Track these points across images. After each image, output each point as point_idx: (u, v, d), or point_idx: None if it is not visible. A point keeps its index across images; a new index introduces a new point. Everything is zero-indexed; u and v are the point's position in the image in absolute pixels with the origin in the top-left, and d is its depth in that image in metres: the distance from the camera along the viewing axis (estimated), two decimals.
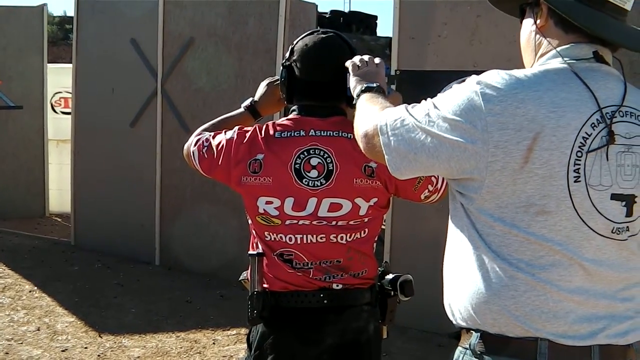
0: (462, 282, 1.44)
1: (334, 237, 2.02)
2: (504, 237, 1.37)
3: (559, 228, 1.35)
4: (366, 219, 2.04)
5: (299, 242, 2.02)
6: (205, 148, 2.12)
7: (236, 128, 2.10)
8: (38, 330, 4.71)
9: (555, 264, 1.36)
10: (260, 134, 2.05)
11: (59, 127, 8.47)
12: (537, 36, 1.48)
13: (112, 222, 6.52)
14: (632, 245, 1.41)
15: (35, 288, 5.58)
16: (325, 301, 2.03)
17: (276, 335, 2.05)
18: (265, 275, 2.05)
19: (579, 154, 1.34)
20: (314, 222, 2.01)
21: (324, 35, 2.07)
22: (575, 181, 1.34)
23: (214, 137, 2.12)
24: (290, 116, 2.10)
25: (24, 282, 5.71)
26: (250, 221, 2.11)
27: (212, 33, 5.87)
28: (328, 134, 2.02)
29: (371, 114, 1.56)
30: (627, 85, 1.43)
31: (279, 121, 2.08)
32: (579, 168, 1.34)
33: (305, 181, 1.99)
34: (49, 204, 8.44)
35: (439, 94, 1.45)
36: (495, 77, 1.37)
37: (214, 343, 4.56)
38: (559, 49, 1.43)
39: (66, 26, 18.02)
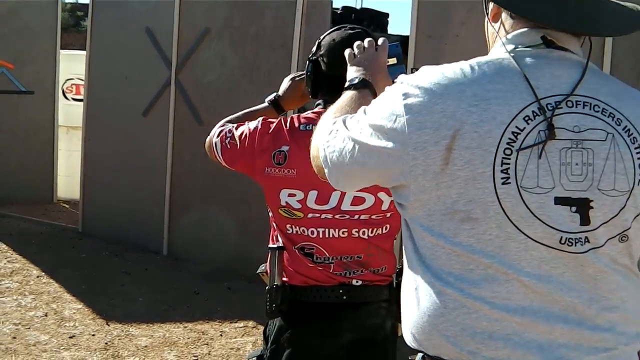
0: (405, 299, 1.31)
1: (355, 231, 2.02)
2: (433, 249, 1.21)
3: (489, 237, 1.16)
4: (388, 214, 2.04)
5: (321, 235, 2.02)
6: (228, 139, 2.12)
7: (260, 118, 2.10)
8: (45, 315, 4.71)
9: (487, 278, 1.16)
10: (285, 126, 2.05)
11: (69, 113, 8.46)
12: (489, 27, 1.35)
13: (121, 210, 6.52)
14: (597, 260, 1.17)
15: (43, 273, 5.58)
16: (344, 297, 2.03)
17: (294, 329, 2.06)
18: (285, 269, 2.06)
19: (508, 152, 1.15)
20: (337, 216, 2.01)
21: (351, 31, 2.07)
22: (503, 183, 1.15)
23: (236, 128, 2.12)
24: (315, 109, 2.10)
25: (31, 267, 5.71)
26: (271, 214, 2.11)
27: (228, 24, 5.86)
28: None
29: (322, 125, 1.39)
30: (586, 71, 1.22)
31: (304, 114, 2.08)
32: (508, 168, 1.15)
33: None
34: (57, 190, 8.44)
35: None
36: (421, 73, 1.22)
37: (221, 335, 4.56)
38: (505, 37, 1.28)
39: (77, 13, 17.99)
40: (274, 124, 2.07)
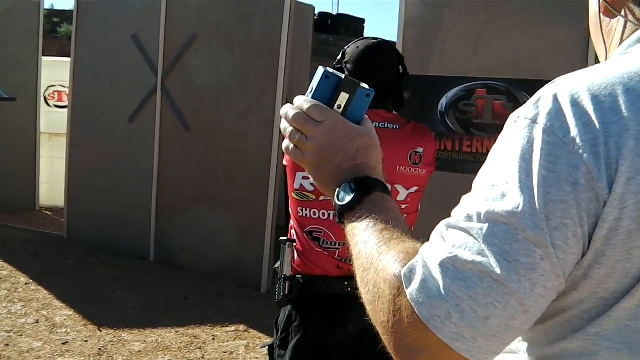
0: None
1: None
2: None
3: None
4: (403, 206, 2.10)
5: (331, 217, 2.09)
6: None
7: None
8: (37, 322, 4.70)
9: None
10: None
11: (51, 120, 8.44)
12: (603, 22, 0.96)
13: (107, 217, 6.50)
14: None
15: (31, 281, 5.55)
16: (349, 289, 2.09)
17: (301, 318, 2.13)
18: (293, 261, 2.14)
19: None
20: None
21: (374, 40, 2.18)
22: None
23: None
24: None
25: (19, 275, 5.69)
26: (289, 203, 2.21)
27: (215, 31, 5.89)
28: (375, 125, 2.10)
29: (379, 285, 0.83)
30: None
31: None
32: None
33: None
34: (40, 198, 8.39)
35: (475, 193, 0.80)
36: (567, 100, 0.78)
37: (213, 339, 4.58)
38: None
39: (53, 19, 17.83)
40: None
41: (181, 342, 4.48)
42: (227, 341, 4.57)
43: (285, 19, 5.46)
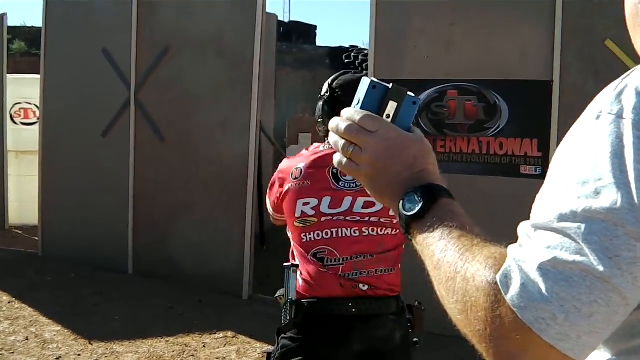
0: None
1: (366, 229, 2.21)
2: None
3: None
4: (395, 221, 2.19)
5: (334, 235, 2.19)
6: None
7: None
8: (27, 340, 4.70)
9: None
10: (306, 151, 2.34)
11: (18, 138, 8.37)
12: None
13: (84, 232, 6.50)
14: None
15: (14, 299, 5.54)
16: (353, 309, 2.18)
17: (305, 339, 2.19)
18: (297, 285, 2.21)
19: None
20: (348, 218, 2.20)
21: (358, 74, 2.40)
22: None
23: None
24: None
25: (0, 293, 5.66)
26: (289, 233, 2.31)
27: (187, 41, 5.95)
28: None
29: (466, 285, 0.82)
30: None
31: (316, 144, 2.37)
32: None
33: (342, 184, 2.21)
34: (9, 216, 8.32)
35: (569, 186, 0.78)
36: None
37: (204, 346, 4.65)
38: None
39: (8, 36, 17.53)
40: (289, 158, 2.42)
41: (173, 351, 4.54)
42: (218, 347, 4.64)
43: (258, 28, 5.55)
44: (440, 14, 4.91)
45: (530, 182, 4.42)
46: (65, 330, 4.86)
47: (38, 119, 8.40)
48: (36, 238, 7.26)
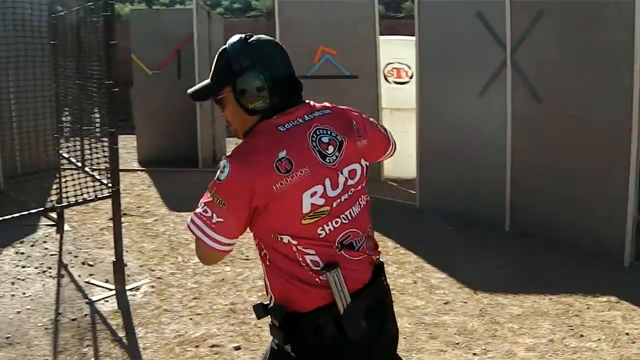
0: None
1: (360, 200, 2.04)
2: None
3: None
4: (364, 182, 2.07)
5: (353, 215, 1.99)
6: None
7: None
8: (415, 283, 5.19)
9: None
10: (265, 135, 1.94)
11: (391, 96, 9.07)
12: None
13: (459, 188, 6.87)
14: None
15: (398, 245, 6.12)
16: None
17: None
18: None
19: None
20: (349, 192, 1.99)
21: (263, 36, 2.05)
22: None
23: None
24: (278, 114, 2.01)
25: (385, 239, 6.26)
26: (287, 240, 1.93)
27: (562, 5, 5.84)
28: (315, 115, 2.01)
29: None
30: None
31: (274, 118, 1.97)
32: None
33: (328, 159, 1.95)
34: (384, 169, 9.09)
35: None
36: None
37: (588, 308, 4.66)
38: None
39: None
40: (241, 153, 1.92)
41: (557, 309, 4.63)
42: (602, 311, 4.62)
43: None
44: None
45: None
46: (450, 279, 5.25)
47: (410, 78, 9.05)
48: (412, 191, 7.86)
